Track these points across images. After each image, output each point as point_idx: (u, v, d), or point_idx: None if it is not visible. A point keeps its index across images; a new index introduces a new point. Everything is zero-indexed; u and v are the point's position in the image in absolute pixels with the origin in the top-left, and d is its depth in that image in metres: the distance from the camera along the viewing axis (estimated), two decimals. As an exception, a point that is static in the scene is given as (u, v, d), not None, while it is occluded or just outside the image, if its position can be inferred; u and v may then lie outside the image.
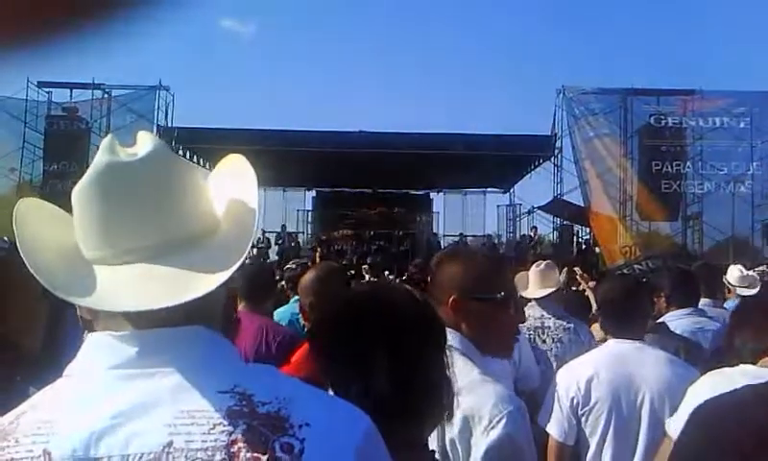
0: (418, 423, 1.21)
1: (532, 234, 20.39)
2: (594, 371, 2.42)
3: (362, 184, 22.30)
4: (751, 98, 18.00)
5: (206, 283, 0.83)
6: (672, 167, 18.21)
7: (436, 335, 1.27)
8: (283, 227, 21.62)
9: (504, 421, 1.44)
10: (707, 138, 18.09)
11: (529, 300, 3.72)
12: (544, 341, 3.58)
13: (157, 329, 0.84)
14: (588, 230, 19.61)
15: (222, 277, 0.85)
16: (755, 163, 17.90)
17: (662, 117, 18.33)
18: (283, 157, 17.32)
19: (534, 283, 3.80)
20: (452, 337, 1.57)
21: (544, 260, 4.03)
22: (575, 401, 2.41)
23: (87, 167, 0.88)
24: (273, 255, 21.40)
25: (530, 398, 2.70)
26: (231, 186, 0.96)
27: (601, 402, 2.38)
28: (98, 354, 0.85)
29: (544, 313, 3.66)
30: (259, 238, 20.06)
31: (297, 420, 0.80)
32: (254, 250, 18.54)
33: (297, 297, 4.25)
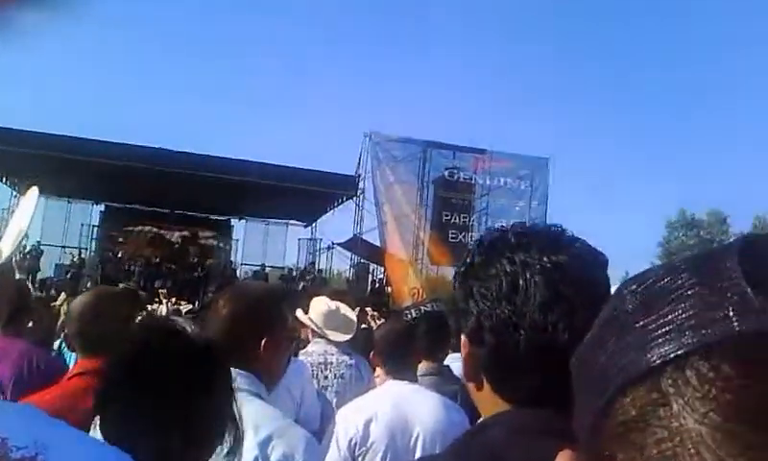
0: None
1: (319, 269, 21.06)
2: (374, 411, 2.45)
3: (159, 204, 21.13)
4: (531, 162, 20.31)
5: None
6: (460, 219, 19.87)
7: (224, 381, 1.27)
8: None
9: None
10: (492, 195, 19.99)
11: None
12: (326, 377, 3.56)
13: None
14: (382, 269, 20.45)
15: None
16: (528, 223, 20.01)
17: (456, 172, 19.95)
18: (68, 165, 15.86)
19: (326, 323, 3.66)
20: (240, 378, 1.55)
21: (340, 297, 3.98)
22: (353, 442, 2.41)
23: None
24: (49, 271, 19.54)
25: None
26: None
27: (378, 442, 2.40)
28: None
29: (328, 349, 3.61)
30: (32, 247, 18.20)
31: None
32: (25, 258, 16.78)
33: None
